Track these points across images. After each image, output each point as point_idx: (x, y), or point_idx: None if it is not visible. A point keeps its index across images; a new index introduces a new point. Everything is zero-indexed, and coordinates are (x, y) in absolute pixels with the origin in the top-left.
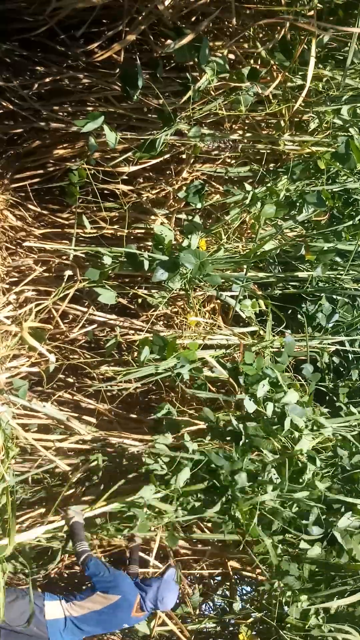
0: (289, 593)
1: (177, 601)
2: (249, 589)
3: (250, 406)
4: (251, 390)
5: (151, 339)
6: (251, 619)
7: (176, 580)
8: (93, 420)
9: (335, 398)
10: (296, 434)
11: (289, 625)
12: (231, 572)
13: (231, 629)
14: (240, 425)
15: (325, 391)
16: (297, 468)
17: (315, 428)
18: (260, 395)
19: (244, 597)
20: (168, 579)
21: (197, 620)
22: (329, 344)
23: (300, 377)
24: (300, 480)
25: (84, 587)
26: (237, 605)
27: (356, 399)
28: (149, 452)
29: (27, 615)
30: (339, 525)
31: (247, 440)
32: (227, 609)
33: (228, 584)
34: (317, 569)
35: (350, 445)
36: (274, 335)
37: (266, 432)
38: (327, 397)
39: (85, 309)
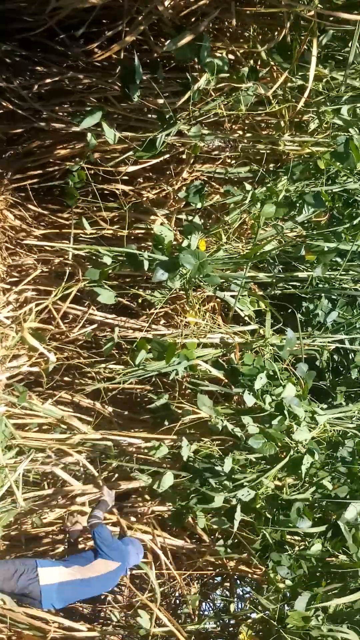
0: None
1: None
2: (248, 589)
3: (249, 400)
4: (249, 384)
5: (149, 340)
6: (251, 619)
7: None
8: (92, 419)
9: (334, 395)
10: (294, 426)
11: (289, 625)
12: (230, 572)
13: (231, 629)
14: (237, 430)
15: (325, 389)
16: (295, 457)
17: (312, 419)
18: (258, 387)
19: (244, 597)
20: (133, 538)
21: (196, 620)
22: (329, 342)
23: (299, 377)
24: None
25: (82, 555)
26: (235, 606)
27: (356, 398)
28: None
29: (25, 580)
30: (345, 517)
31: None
32: (227, 609)
33: (228, 584)
34: (315, 565)
35: (349, 436)
36: (273, 334)
37: (266, 435)
38: (327, 396)
39: (85, 309)
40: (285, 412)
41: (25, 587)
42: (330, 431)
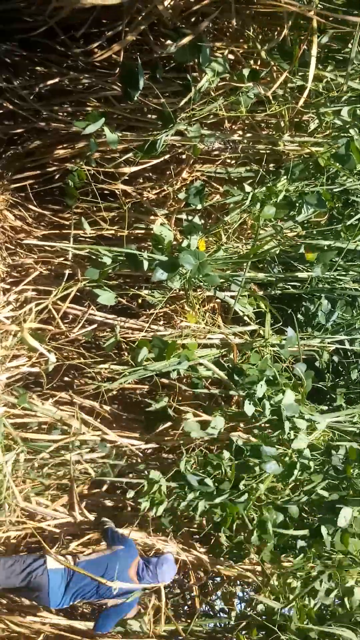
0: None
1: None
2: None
3: (249, 409)
4: (249, 392)
5: (150, 339)
6: (249, 619)
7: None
8: (92, 420)
9: (334, 396)
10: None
11: (288, 624)
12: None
13: (230, 629)
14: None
15: (324, 390)
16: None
17: (311, 425)
18: (259, 394)
19: (245, 598)
20: (168, 556)
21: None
22: (328, 342)
23: (298, 377)
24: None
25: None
26: (234, 613)
27: (356, 400)
28: None
29: (31, 569)
30: (338, 524)
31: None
32: (226, 610)
33: (226, 585)
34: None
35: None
36: (273, 334)
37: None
38: (327, 397)
39: (85, 309)
40: (285, 422)
41: (31, 579)
42: (329, 435)
